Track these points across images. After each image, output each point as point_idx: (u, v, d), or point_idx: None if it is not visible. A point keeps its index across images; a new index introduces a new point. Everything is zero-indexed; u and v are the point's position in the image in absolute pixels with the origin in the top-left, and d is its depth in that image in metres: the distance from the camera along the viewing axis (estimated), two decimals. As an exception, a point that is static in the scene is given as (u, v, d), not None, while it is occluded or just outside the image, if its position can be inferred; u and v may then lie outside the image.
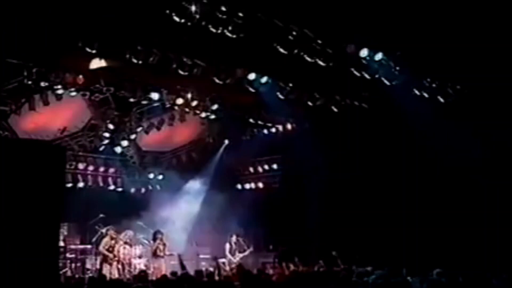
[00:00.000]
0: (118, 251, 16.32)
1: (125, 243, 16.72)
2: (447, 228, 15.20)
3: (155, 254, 16.95)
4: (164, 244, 17.00)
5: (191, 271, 14.06)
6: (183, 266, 15.50)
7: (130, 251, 16.83)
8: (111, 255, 16.15)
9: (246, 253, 17.98)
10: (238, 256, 17.76)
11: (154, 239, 17.04)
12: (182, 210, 19.02)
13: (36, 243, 9.78)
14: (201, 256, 18.56)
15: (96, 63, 13.52)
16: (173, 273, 14.30)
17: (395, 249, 15.29)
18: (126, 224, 17.54)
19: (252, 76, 14.93)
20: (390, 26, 12.84)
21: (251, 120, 18.41)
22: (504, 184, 14.79)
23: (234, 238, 18.01)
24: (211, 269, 16.27)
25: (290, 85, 15.76)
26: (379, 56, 14.03)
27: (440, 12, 12.12)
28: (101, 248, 16.19)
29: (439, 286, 8.83)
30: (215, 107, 16.96)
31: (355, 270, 11.92)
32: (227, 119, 18.42)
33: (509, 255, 13.66)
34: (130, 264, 16.66)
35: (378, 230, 16.27)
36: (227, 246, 17.89)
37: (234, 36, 12.51)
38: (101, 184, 19.63)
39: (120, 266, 16.23)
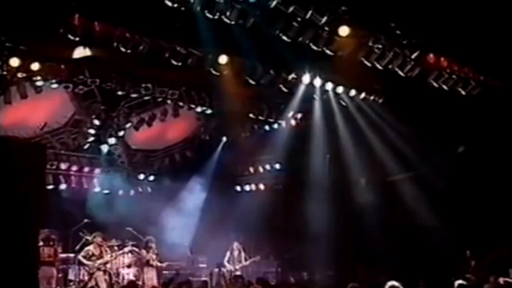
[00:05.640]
0: (105, 260, 16.21)
1: (113, 251, 16.62)
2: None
3: (148, 264, 16.85)
4: (156, 254, 16.91)
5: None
6: (171, 280, 15.50)
7: (118, 260, 16.73)
8: (96, 265, 16.04)
9: (249, 262, 17.88)
10: (240, 264, 17.71)
11: (146, 247, 16.92)
12: (176, 215, 18.94)
13: (13, 252, 9.66)
14: (199, 265, 18.52)
15: (80, 52, 13.42)
16: (164, 284, 14.31)
17: (407, 257, 15.35)
18: (113, 230, 17.44)
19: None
20: (401, 11, 12.80)
21: (251, 115, 18.30)
22: None
23: (235, 246, 17.93)
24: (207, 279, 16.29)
25: (294, 76, 15.68)
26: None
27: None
28: (81, 257, 16.06)
29: None
30: (211, 100, 16.85)
31: None
32: (224, 114, 18.31)
33: None
34: (118, 274, 16.59)
35: (389, 235, 16.27)
36: (227, 254, 17.84)
37: (233, 23, 12.43)
38: (85, 185, 19.56)
39: (107, 277, 16.14)
